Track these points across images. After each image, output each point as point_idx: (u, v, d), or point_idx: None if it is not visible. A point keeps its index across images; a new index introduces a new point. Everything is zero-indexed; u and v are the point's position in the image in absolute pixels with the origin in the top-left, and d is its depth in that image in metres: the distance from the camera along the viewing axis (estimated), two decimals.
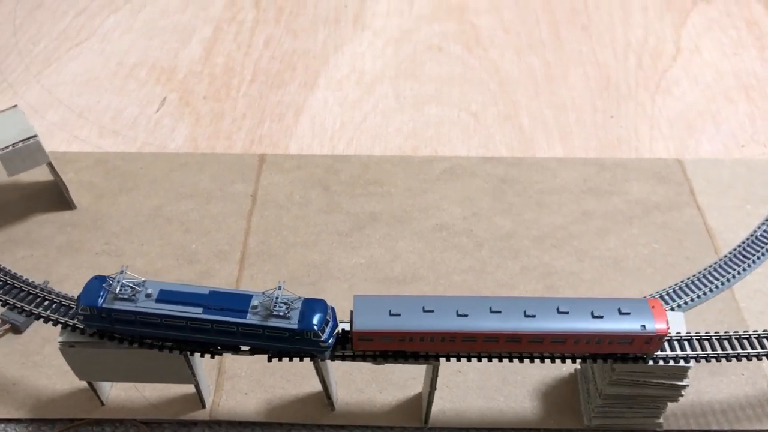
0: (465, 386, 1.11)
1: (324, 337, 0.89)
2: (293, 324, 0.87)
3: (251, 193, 1.41)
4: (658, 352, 0.93)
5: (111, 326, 0.91)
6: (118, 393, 1.10)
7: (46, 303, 0.99)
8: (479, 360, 0.94)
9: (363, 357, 0.94)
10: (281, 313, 0.87)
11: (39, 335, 1.17)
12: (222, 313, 0.88)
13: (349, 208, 1.38)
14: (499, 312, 0.89)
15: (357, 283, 1.25)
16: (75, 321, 0.94)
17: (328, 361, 0.97)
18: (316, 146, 1.52)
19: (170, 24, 1.85)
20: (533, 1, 1.94)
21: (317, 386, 1.03)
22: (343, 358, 0.94)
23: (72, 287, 1.16)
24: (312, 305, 0.89)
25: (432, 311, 0.89)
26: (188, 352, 0.95)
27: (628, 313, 0.89)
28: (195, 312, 0.88)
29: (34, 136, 1.24)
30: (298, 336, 0.88)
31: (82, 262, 1.28)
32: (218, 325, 0.88)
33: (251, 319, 0.88)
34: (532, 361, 0.94)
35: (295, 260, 1.29)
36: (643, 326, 0.88)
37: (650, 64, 1.73)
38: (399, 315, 0.89)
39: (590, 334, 0.89)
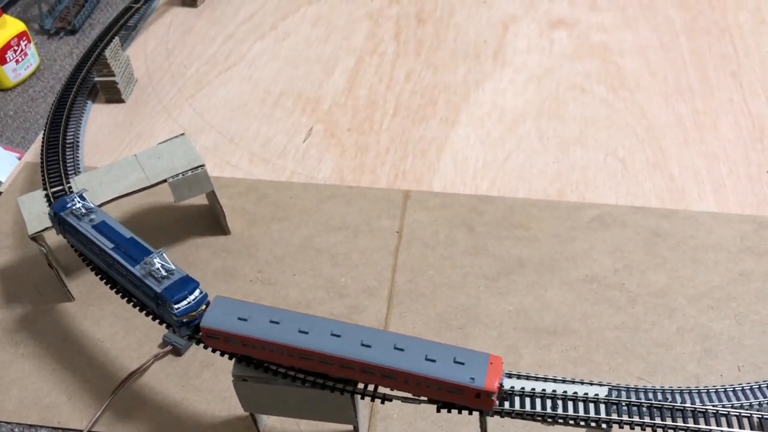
0: None
1: (177, 310, 0.95)
2: (157, 288, 0.97)
3: (397, 229, 1.42)
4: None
5: (63, 232, 1.12)
6: (275, 424, 1.13)
7: None
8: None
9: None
10: (157, 276, 0.98)
11: (198, 359, 1.21)
12: (122, 255, 1.02)
13: (496, 251, 1.37)
14: (339, 336, 0.90)
15: (506, 331, 1.24)
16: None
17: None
18: (459, 184, 1.52)
19: (314, 54, 1.90)
20: (680, 44, 1.88)
21: None
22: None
23: None
24: (185, 283, 0.97)
25: (277, 323, 0.91)
26: (354, 395, 0.97)
27: (462, 363, 0.87)
28: (106, 246, 1.04)
29: (202, 165, 1.29)
30: (160, 301, 0.97)
31: (236, 288, 1.32)
32: (116, 263, 1.02)
33: (136, 270, 1.00)
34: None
35: (442, 301, 1.29)
36: (472, 379, 0.85)
37: None
38: (245, 320, 0.92)
39: (416, 375, 0.87)
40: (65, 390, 1.19)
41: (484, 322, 1.25)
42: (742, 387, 1.05)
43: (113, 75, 1.68)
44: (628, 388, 1.00)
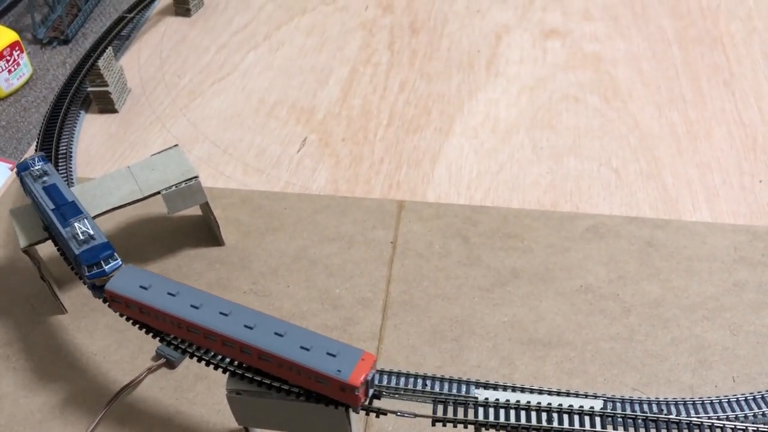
0: None
1: (89, 273, 1.05)
2: (77, 250, 1.07)
3: (391, 240, 1.42)
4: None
5: (25, 192, 1.23)
6: None
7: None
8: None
9: None
10: (79, 239, 1.08)
11: (191, 372, 1.21)
12: (58, 216, 1.14)
13: (490, 262, 1.37)
14: (226, 315, 0.94)
15: (501, 343, 1.23)
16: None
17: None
18: (453, 195, 1.52)
19: (308, 63, 1.90)
20: (672, 53, 1.89)
21: None
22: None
23: None
24: (103, 249, 1.07)
25: (174, 295, 0.97)
26: (348, 409, 0.96)
27: (334, 355, 0.89)
28: (48, 206, 1.15)
29: (196, 177, 1.29)
30: (77, 262, 1.07)
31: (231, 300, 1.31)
32: (52, 224, 1.14)
33: (65, 231, 1.11)
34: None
35: (437, 313, 1.29)
36: (338, 371, 0.87)
37: None
38: (146, 289, 0.99)
39: (288, 360, 0.89)
40: (58, 404, 1.18)
41: (479, 334, 1.25)
42: (737, 398, 1.05)
43: (106, 85, 1.68)
44: (623, 399, 1.00)
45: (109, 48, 1.70)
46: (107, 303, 1.03)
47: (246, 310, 0.96)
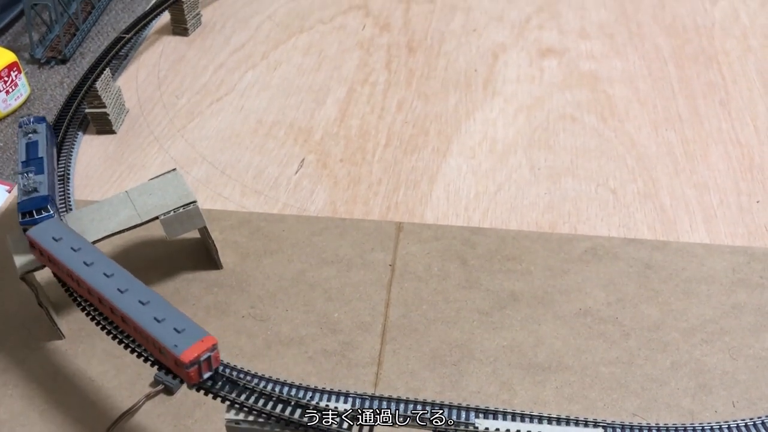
0: None
1: (21, 220, 1.19)
2: (19, 198, 1.22)
3: (390, 262, 1.42)
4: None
5: None
6: None
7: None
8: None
9: None
10: (26, 189, 1.24)
11: (189, 399, 1.20)
12: (24, 167, 1.29)
13: (489, 285, 1.37)
14: (108, 276, 1.06)
15: (500, 368, 1.23)
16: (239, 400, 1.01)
17: None
18: (452, 216, 1.53)
19: (306, 83, 1.91)
20: (669, 72, 1.90)
21: None
22: None
23: (222, 352, 1.18)
24: (40, 201, 1.22)
25: (75, 251, 1.11)
26: None
27: (179, 332, 0.98)
28: (20, 159, 1.32)
29: (194, 201, 1.29)
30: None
31: (229, 325, 1.32)
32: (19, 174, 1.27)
33: (21, 181, 1.26)
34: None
35: (436, 337, 1.29)
36: (175, 346, 0.96)
37: None
38: (56, 241, 1.12)
39: (140, 328, 0.99)
40: (56, 431, 1.17)
41: (478, 358, 1.25)
42: (737, 424, 1.05)
43: (104, 107, 1.68)
44: (623, 425, 1.00)
45: (107, 69, 1.70)
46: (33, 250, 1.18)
47: (129, 277, 1.07)
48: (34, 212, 1.20)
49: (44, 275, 1.25)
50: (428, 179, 1.62)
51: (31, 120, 1.43)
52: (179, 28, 2.07)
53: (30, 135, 1.38)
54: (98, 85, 1.65)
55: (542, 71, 1.92)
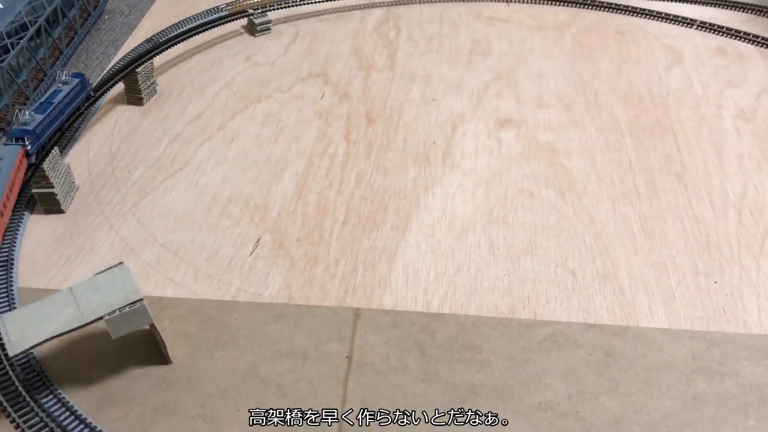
0: None
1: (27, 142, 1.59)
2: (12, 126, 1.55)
3: (347, 354, 1.38)
4: None
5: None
6: None
7: None
8: None
9: None
10: (21, 122, 1.62)
11: None
12: (37, 107, 1.67)
13: (448, 377, 1.34)
14: None
15: None
16: None
17: None
18: (411, 300, 1.50)
19: (263, 155, 1.88)
20: (625, 143, 1.92)
21: None
22: None
23: None
24: (20, 132, 1.59)
25: None
26: None
27: None
28: (39, 101, 1.69)
29: (141, 300, 1.24)
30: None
31: (177, 426, 1.26)
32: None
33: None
34: None
35: None
36: None
37: (751, 221, 1.68)
38: None
39: None
40: None
41: None
42: None
43: (52, 187, 1.63)
44: None
45: (55, 148, 1.65)
46: None
47: None
48: (14, 139, 1.55)
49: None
50: (387, 259, 1.59)
51: (70, 75, 1.77)
52: (134, 97, 2.04)
53: (60, 85, 1.73)
54: (45, 165, 1.60)
55: (500, 143, 1.92)
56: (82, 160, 1.86)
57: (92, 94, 1.87)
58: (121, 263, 1.31)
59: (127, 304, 1.23)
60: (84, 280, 1.29)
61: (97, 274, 1.30)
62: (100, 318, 1.22)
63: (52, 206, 1.66)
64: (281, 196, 1.75)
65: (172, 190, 1.77)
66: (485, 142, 1.93)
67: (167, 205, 1.73)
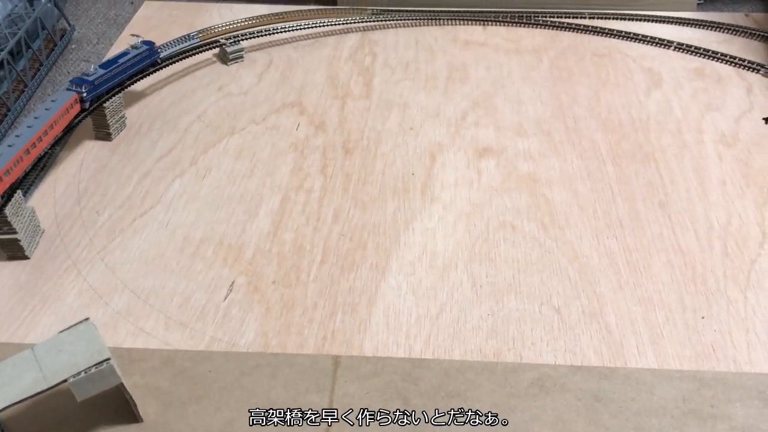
0: None
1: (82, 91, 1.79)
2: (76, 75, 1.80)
3: (326, 405, 1.32)
4: None
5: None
6: None
7: None
8: None
9: None
10: (85, 73, 1.84)
11: None
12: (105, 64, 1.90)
13: (432, 429, 1.29)
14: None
15: None
16: None
17: None
18: (392, 345, 1.45)
19: (237, 192, 1.82)
20: (607, 171, 1.88)
21: None
22: None
23: None
24: (80, 81, 1.81)
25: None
26: None
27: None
28: (110, 58, 1.93)
29: (107, 359, 1.18)
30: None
31: None
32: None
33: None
34: None
35: None
36: None
37: (737, 252, 1.65)
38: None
39: None
40: None
41: None
42: None
43: (15, 232, 1.56)
44: None
45: (18, 191, 1.58)
46: None
47: None
48: (74, 85, 1.77)
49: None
50: (367, 301, 1.54)
51: (140, 44, 1.96)
52: (102, 132, 1.97)
53: (130, 48, 1.94)
54: (7, 211, 1.53)
55: (480, 173, 1.88)
56: (48, 200, 1.79)
57: (159, 61, 2.03)
58: (86, 319, 1.25)
59: (94, 365, 1.17)
60: (47, 339, 1.22)
61: (61, 331, 1.23)
62: (65, 381, 1.15)
63: (16, 252, 1.60)
64: (256, 235, 1.70)
65: (142, 230, 1.71)
66: (465, 172, 1.89)
67: (137, 248, 1.66)
